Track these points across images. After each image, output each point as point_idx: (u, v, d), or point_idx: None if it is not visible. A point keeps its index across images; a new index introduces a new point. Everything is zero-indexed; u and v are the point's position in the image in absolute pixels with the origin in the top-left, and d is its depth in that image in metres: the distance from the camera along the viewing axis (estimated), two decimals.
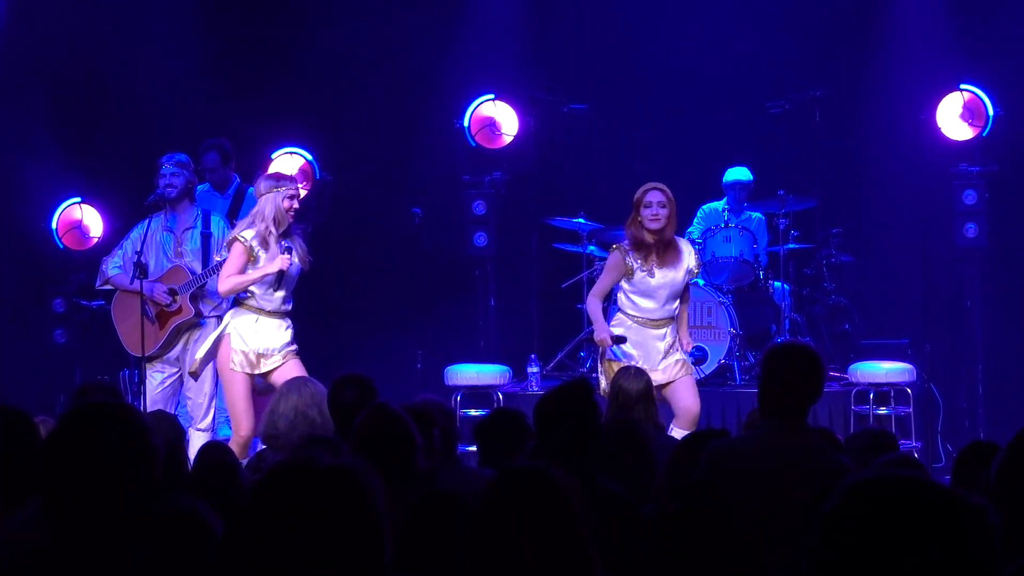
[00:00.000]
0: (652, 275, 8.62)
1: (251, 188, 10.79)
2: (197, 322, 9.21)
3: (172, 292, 9.13)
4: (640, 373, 7.48)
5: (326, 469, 2.64)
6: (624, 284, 8.73)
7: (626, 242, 8.75)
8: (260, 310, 8.62)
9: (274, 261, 8.49)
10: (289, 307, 8.74)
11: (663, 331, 8.71)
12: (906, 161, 11.90)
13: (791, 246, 11.16)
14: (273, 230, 8.51)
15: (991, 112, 11.40)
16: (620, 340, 8.66)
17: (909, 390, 10.37)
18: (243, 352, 8.54)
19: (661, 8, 12.42)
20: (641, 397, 7.16)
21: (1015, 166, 11.53)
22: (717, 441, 5.06)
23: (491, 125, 11.97)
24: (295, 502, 2.60)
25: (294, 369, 8.46)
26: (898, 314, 11.82)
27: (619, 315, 8.82)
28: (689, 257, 8.79)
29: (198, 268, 9.18)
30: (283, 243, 8.57)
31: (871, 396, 10.30)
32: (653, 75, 12.46)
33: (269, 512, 2.61)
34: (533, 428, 5.80)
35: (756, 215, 11.58)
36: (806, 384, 4.86)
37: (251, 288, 8.56)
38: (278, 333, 8.65)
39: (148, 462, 3.12)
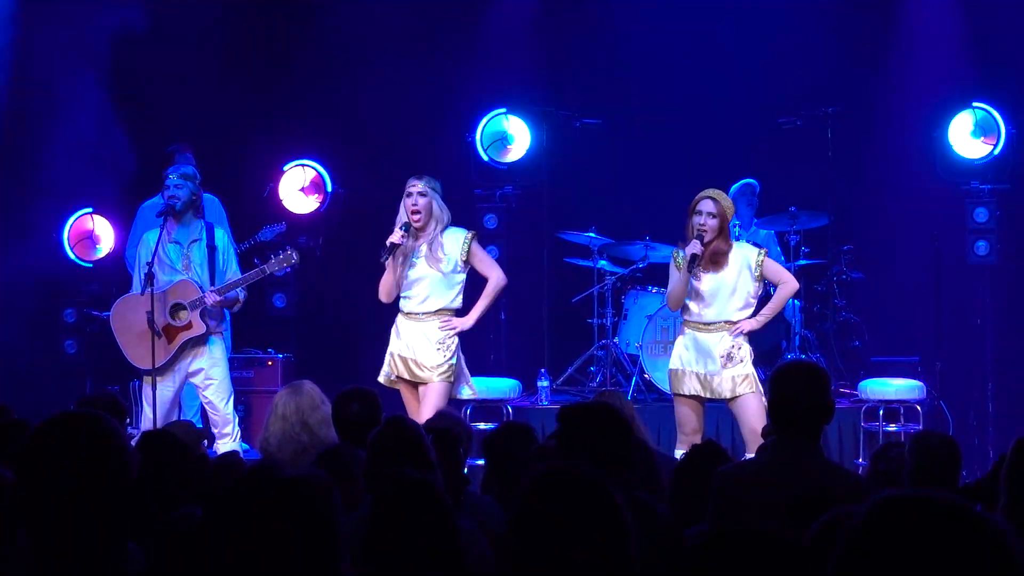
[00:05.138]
0: (698, 279, 8.51)
1: (205, 195, 10.79)
2: (205, 338, 9.20)
3: (178, 307, 9.11)
4: (615, 395, 7.49)
5: (284, 480, 2.67)
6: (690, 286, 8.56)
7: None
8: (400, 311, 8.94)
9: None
10: (422, 309, 8.85)
11: (718, 336, 8.53)
12: (917, 179, 11.90)
13: (802, 262, 11.16)
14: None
15: (1003, 129, 11.41)
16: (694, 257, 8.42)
17: (919, 407, 10.34)
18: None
19: (674, 24, 12.43)
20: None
21: None
22: (726, 466, 5.03)
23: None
24: (254, 511, 2.63)
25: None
26: (909, 331, 11.80)
27: (682, 325, 8.75)
28: (745, 256, 8.55)
29: (206, 282, 9.16)
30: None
31: (881, 413, 10.28)
32: (665, 90, 12.47)
33: (231, 520, 2.64)
34: (542, 442, 5.80)
35: (764, 231, 11.60)
36: (812, 403, 4.83)
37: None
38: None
39: (122, 471, 3.03)
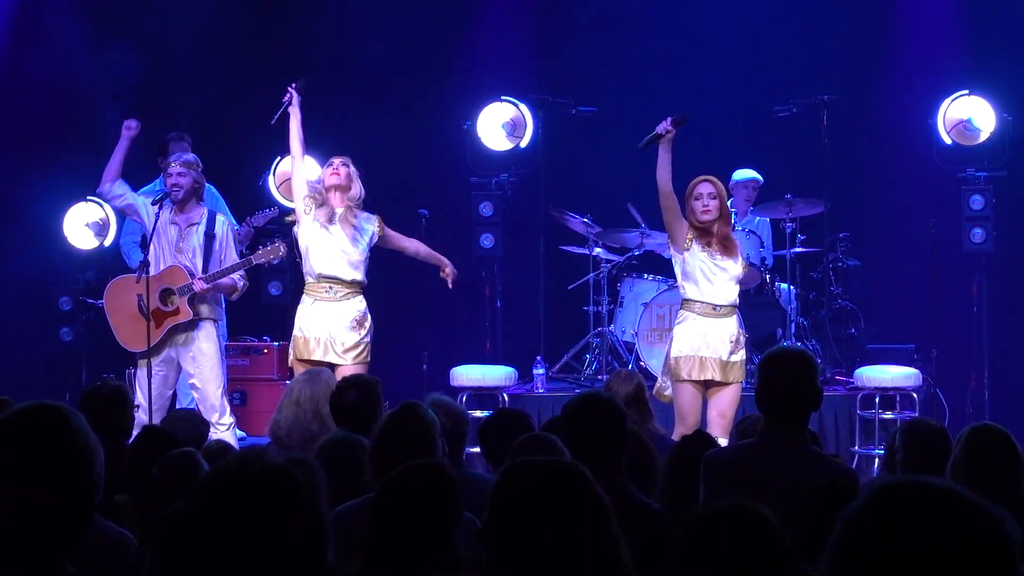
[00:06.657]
0: (714, 257, 8.44)
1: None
2: (194, 324, 9.18)
3: (168, 292, 9.09)
4: (631, 376, 7.40)
5: (264, 468, 2.63)
6: (687, 266, 8.45)
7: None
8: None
9: None
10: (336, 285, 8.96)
11: (727, 320, 8.50)
12: (913, 166, 11.91)
13: (798, 250, 11.15)
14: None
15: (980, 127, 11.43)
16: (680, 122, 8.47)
17: (915, 395, 10.35)
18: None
19: (669, 12, 12.42)
20: (631, 400, 6.91)
21: (1022, 171, 11.51)
22: (713, 450, 5.04)
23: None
24: (235, 502, 2.59)
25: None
26: (904, 319, 11.82)
27: (682, 311, 8.56)
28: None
29: (198, 268, 9.13)
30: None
31: (876, 400, 10.29)
32: (661, 78, 12.46)
33: (210, 512, 2.60)
34: (538, 430, 5.79)
35: (759, 218, 11.59)
36: (800, 391, 4.84)
37: None
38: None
39: (83, 466, 2.89)
